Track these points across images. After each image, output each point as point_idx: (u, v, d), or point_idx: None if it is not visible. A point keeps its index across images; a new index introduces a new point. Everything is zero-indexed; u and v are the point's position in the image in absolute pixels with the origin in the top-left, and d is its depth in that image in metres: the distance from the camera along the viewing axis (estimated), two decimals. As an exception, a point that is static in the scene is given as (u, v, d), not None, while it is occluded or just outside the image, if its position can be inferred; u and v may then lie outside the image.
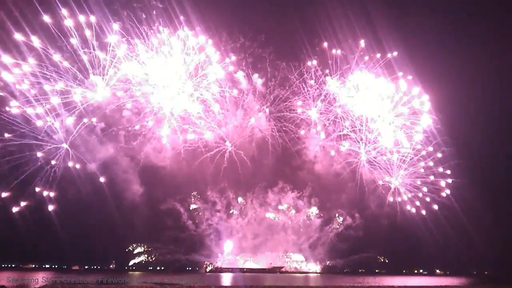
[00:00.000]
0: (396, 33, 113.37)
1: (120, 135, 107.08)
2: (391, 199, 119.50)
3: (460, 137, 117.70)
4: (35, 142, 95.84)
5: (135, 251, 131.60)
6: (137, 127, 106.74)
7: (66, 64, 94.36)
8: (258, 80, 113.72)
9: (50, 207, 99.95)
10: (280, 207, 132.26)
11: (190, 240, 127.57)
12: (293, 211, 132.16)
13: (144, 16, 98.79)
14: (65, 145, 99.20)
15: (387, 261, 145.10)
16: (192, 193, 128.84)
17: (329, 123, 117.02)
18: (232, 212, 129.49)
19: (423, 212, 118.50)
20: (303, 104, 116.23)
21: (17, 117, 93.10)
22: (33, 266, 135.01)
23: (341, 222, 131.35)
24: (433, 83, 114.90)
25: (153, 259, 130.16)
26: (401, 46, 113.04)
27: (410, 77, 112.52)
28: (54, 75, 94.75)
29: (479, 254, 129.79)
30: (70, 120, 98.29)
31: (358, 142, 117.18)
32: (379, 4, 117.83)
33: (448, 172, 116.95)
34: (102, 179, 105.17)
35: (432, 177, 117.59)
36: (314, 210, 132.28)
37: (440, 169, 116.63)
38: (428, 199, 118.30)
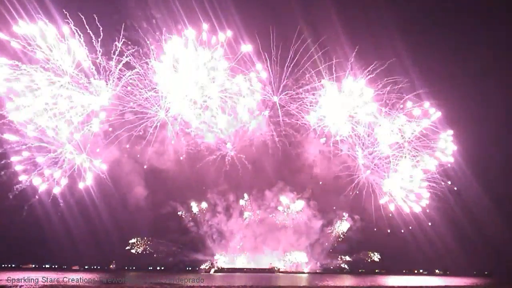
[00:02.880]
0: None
1: (124, 138, 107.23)
2: (386, 200, 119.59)
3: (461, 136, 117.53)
4: (38, 144, 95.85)
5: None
6: (140, 131, 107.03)
7: (70, 67, 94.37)
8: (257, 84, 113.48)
9: (52, 208, 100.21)
10: (280, 208, 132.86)
11: (191, 241, 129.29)
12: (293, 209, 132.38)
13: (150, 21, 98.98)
14: (68, 148, 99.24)
15: (386, 261, 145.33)
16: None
17: (328, 127, 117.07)
18: (232, 213, 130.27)
19: (423, 213, 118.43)
20: (302, 109, 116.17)
21: (20, 120, 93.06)
22: (33, 266, 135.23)
23: (342, 226, 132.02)
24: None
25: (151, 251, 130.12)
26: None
27: None
28: (58, 79, 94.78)
29: (479, 254, 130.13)
30: (74, 123, 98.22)
31: (357, 145, 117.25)
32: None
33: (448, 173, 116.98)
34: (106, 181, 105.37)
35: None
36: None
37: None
38: (427, 200, 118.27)
